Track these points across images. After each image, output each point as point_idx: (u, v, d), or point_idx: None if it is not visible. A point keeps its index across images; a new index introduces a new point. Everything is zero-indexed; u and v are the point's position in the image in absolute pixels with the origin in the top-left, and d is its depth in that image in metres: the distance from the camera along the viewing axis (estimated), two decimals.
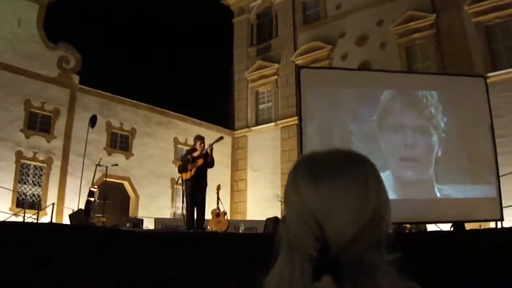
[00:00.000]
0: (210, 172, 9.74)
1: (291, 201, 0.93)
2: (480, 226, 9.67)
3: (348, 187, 0.89)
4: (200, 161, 9.44)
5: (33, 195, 17.76)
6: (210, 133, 19.61)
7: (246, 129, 24.02)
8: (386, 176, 7.08)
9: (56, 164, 18.19)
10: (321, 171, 0.91)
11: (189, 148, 11.53)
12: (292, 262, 0.90)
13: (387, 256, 0.91)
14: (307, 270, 0.87)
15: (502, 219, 7.47)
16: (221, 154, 18.34)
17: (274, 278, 0.93)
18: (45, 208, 16.33)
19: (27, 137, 17.63)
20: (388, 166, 7.27)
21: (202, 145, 9.69)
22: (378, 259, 0.89)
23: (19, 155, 17.32)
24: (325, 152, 0.97)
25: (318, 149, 0.99)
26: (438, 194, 7.38)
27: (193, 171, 9.38)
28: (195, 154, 9.54)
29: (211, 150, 9.57)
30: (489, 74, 14.69)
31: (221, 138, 10.18)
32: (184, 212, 9.52)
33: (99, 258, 4.52)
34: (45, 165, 18.04)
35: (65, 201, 17.45)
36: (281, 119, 22.62)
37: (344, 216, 0.87)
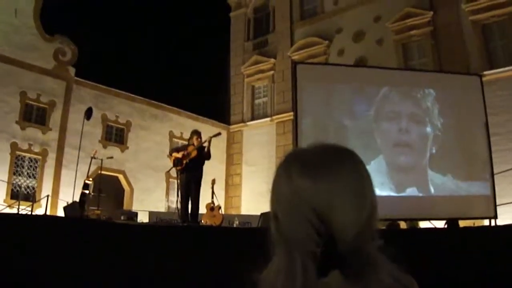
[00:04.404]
0: (204, 166, 9.69)
1: (285, 197, 0.91)
2: (474, 224, 9.70)
3: (347, 182, 0.89)
4: (194, 153, 9.37)
5: (28, 187, 17.75)
6: (205, 127, 19.61)
7: (242, 124, 24.02)
8: (379, 163, 7.10)
9: (51, 156, 18.18)
10: (316, 167, 0.90)
11: (184, 142, 11.49)
12: (291, 259, 0.88)
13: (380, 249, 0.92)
14: (310, 266, 0.85)
15: (496, 217, 7.48)
16: (216, 148, 18.24)
17: (271, 275, 0.91)
18: (39, 200, 16.30)
19: (22, 128, 17.61)
20: (382, 153, 7.28)
21: (199, 139, 9.63)
22: (376, 252, 0.90)
23: (14, 146, 17.30)
24: (313, 148, 0.96)
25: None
26: (432, 188, 7.39)
27: (186, 161, 9.32)
28: (191, 146, 9.50)
29: (209, 143, 9.51)
30: (485, 72, 14.77)
31: (219, 134, 10.10)
32: (179, 205, 9.49)
33: (93, 250, 4.52)
34: (40, 157, 18.02)
35: (59, 193, 17.43)
36: (276, 114, 22.64)
37: (349, 211, 0.87)
